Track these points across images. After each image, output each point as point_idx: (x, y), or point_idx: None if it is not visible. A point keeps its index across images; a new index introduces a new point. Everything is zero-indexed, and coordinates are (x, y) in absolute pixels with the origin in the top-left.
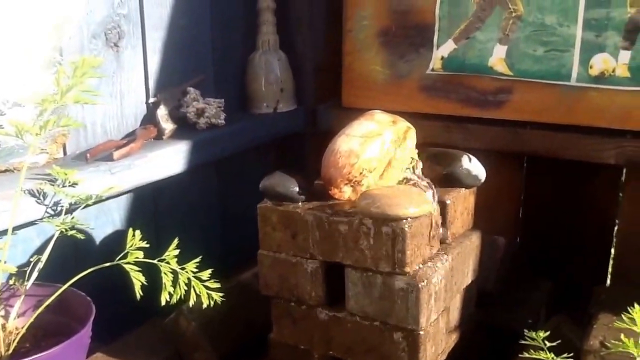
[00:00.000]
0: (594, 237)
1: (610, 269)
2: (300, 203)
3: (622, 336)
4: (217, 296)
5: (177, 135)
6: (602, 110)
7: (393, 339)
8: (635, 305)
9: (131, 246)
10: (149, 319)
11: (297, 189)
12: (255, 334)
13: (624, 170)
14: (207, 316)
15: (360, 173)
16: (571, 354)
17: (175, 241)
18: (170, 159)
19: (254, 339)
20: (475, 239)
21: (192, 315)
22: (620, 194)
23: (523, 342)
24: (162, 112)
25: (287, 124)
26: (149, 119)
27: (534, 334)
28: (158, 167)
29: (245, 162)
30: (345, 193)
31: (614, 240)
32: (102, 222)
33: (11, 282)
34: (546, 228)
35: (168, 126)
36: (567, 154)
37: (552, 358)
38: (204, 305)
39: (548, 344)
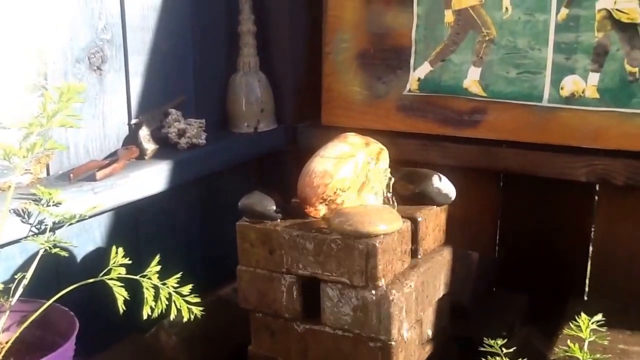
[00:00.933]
0: (571, 253)
1: (587, 284)
2: (277, 221)
3: (568, 342)
4: (197, 310)
5: (159, 155)
6: (573, 129)
7: (367, 350)
8: (582, 314)
9: (114, 263)
10: (129, 335)
11: (274, 207)
12: (235, 347)
13: (597, 187)
14: (187, 330)
15: (335, 192)
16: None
17: (157, 258)
18: (152, 179)
19: (234, 352)
20: (446, 254)
21: (172, 330)
22: (595, 209)
23: (481, 349)
24: (144, 132)
25: (267, 142)
26: (131, 139)
27: (491, 342)
28: (140, 186)
29: (227, 180)
30: (320, 211)
31: (590, 255)
32: (83, 240)
33: None
34: (524, 243)
35: (150, 146)
36: (540, 172)
37: None
38: (185, 320)
39: (505, 351)
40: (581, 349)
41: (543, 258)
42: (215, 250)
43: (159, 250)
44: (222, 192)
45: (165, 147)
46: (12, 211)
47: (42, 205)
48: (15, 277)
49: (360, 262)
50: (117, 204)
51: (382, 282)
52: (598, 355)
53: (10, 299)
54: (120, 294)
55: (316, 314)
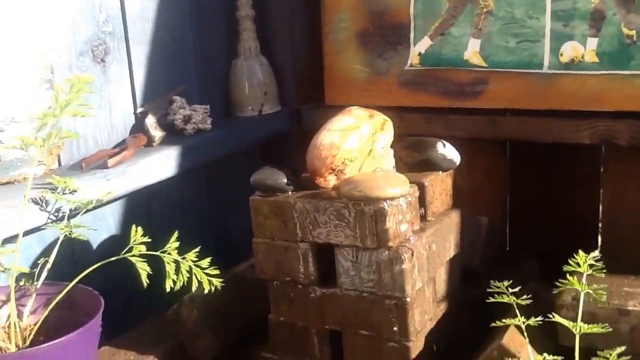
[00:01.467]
0: (580, 216)
1: (599, 245)
2: (289, 193)
3: (568, 276)
4: (217, 282)
5: (166, 141)
6: (574, 94)
7: (383, 307)
8: (580, 251)
9: (134, 241)
10: (146, 317)
11: (285, 180)
12: (254, 319)
13: (603, 149)
14: (207, 304)
15: (342, 162)
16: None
17: (176, 234)
18: (161, 165)
19: (254, 324)
20: (454, 217)
21: (193, 304)
22: (602, 172)
23: (488, 289)
24: (150, 120)
25: (272, 124)
26: (138, 128)
27: (498, 283)
28: (150, 172)
29: (233, 163)
30: (330, 181)
31: (600, 216)
32: (97, 226)
33: (21, 283)
34: (533, 209)
35: (157, 134)
36: (545, 137)
37: (514, 300)
38: (206, 291)
39: (511, 290)
40: (579, 281)
41: (553, 222)
42: (225, 231)
43: (170, 233)
44: (230, 175)
45: (172, 134)
46: (30, 200)
47: (59, 193)
48: (38, 262)
49: (371, 226)
50: (129, 189)
51: (393, 243)
52: (595, 285)
53: (36, 283)
54: (144, 269)
55: (332, 278)
